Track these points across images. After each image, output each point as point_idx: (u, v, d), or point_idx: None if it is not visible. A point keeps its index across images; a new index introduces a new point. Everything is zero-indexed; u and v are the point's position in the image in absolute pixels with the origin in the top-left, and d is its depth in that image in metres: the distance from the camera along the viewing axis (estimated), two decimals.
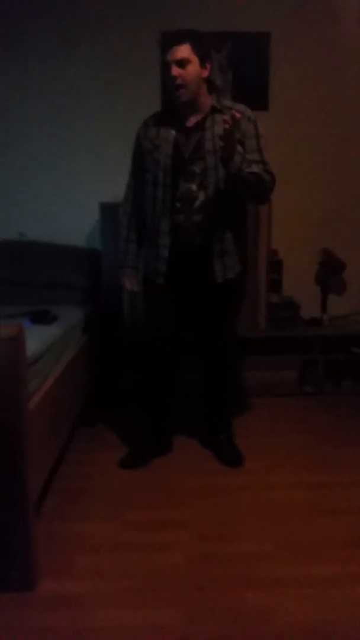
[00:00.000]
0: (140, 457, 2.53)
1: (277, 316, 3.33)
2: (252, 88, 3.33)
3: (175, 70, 2.16)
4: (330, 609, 1.68)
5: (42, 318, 2.45)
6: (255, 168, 2.18)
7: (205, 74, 2.22)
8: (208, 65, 2.22)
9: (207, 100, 2.26)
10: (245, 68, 3.33)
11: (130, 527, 2.08)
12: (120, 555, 1.91)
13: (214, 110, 2.25)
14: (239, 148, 2.11)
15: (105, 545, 1.97)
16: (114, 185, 2.98)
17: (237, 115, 2.02)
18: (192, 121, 2.27)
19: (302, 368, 3.39)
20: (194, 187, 2.26)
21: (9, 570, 1.72)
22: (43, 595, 1.72)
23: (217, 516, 2.15)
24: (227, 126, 1.99)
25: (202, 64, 2.19)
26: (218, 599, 1.71)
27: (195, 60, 2.17)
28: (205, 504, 2.23)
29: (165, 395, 2.57)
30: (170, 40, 2.18)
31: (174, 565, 1.86)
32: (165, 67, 2.20)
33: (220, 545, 1.97)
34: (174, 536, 2.02)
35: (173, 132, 2.27)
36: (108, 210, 3.04)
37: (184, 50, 2.14)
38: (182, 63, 2.15)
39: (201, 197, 2.26)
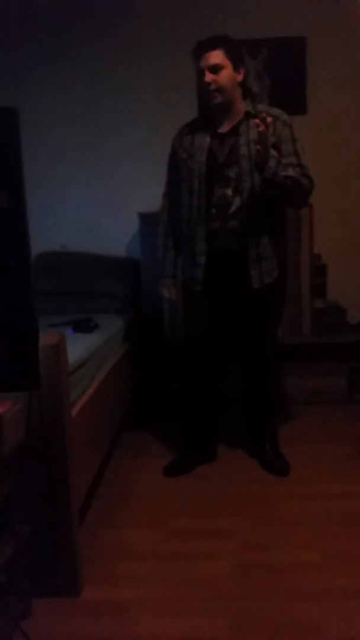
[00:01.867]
0: (184, 464, 2.52)
1: (322, 322, 3.27)
2: (289, 93, 3.32)
3: (209, 77, 2.16)
4: None
5: (83, 326, 2.49)
6: (291, 172, 2.14)
7: (240, 78, 2.22)
8: (242, 70, 2.22)
9: (241, 106, 2.26)
10: (282, 73, 3.32)
11: (175, 535, 2.06)
12: (165, 564, 1.90)
13: (248, 115, 2.24)
14: (274, 152, 2.09)
15: (150, 553, 1.96)
16: (152, 195, 3.01)
17: (269, 118, 2.00)
18: (226, 126, 2.27)
19: (351, 375, 3.31)
20: (229, 192, 2.25)
21: (55, 576, 1.73)
22: (87, 602, 1.72)
23: (263, 525, 2.10)
24: (260, 129, 1.98)
25: (236, 69, 2.19)
26: (264, 610, 1.67)
27: (228, 65, 2.17)
28: (250, 513, 2.18)
29: (208, 402, 2.55)
30: (202, 47, 2.18)
31: (219, 574, 1.83)
32: (199, 74, 2.21)
33: (267, 555, 1.93)
34: (220, 545, 1.99)
35: (207, 139, 2.27)
36: (147, 220, 3.08)
37: (216, 56, 2.15)
38: (216, 69, 2.16)
39: (237, 202, 2.25)
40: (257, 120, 1.99)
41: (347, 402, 3.27)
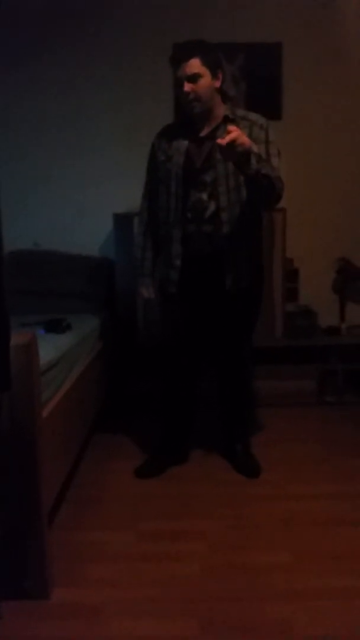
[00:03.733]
0: (156, 466, 2.51)
1: (294, 325, 3.30)
2: (265, 98, 3.34)
3: (187, 86, 2.16)
4: (350, 621, 1.63)
5: (55, 327, 2.46)
6: (269, 171, 2.14)
7: (218, 84, 2.23)
8: (220, 75, 2.23)
9: (220, 110, 2.27)
10: (258, 78, 3.34)
11: (145, 536, 2.05)
12: (136, 565, 1.89)
13: (227, 119, 2.25)
14: (254, 148, 2.06)
15: (120, 554, 1.95)
16: (128, 196, 3.01)
17: (226, 139, 1.92)
18: (205, 131, 2.28)
19: (321, 377, 3.35)
20: (204, 196, 2.26)
21: (23, 578, 1.70)
22: (57, 605, 1.70)
23: (234, 527, 2.11)
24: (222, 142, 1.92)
25: (214, 75, 2.20)
26: (235, 611, 1.68)
27: (206, 72, 2.17)
28: (221, 514, 2.19)
29: (183, 404, 2.55)
30: (178, 54, 2.17)
31: (189, 575, 1.83)
32: (177, 82, 2.20)
33: (237, 556, 1.93)
34: (190, 546, 1.99)
35: (185, 143, 2.28)
36: (122, 221, 3.07)
37: (193, 66, 2.14)
38: (194, 78, 2.15)
39: (212, 207, 2.26)
40: (231, 128, 1.96)
41: (317, 404, 3.31)
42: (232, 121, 2.22)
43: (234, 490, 2.37)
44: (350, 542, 1.99)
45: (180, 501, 2.29)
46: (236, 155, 1.97)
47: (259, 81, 3.35)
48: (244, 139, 1.94)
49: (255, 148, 2.09)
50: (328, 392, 3.36)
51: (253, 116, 2.26)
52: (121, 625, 1.62)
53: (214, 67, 2.19)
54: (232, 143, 1.90)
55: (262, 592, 1.76)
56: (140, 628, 1.61)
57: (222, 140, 1.91)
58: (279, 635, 1.58)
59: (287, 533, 2.06)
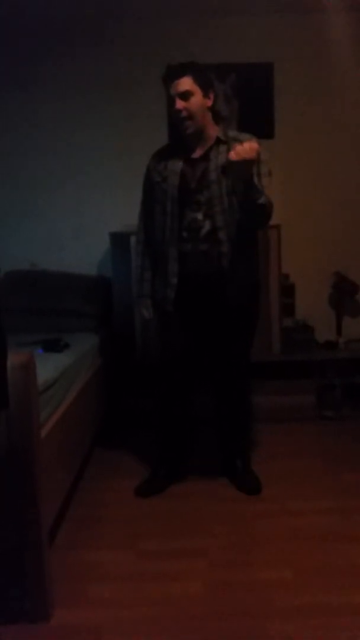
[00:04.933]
0: (156, 484, 2.51)
1: (291, 340, 3.32)
2: (257, 117, 3.40)
3: (180, 104, 2.21)
4: (352, 637, 1.62)
5: (53, 346, 2.47)
6: (263, 199, 2.19)
7: (209, 103, 2.27)
8: (211, 95, 2.28)
9: (213, 131, 2.31)
10: (250, 97, 3.40)
11: (146, 555, 2.04)
12: (136, 585, 1.88)
13: (219, 141, 2.29)
14: (255, 179, 2.15)
15: (121, 574, 1.94)
16: (123, 215, 3.04)
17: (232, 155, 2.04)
18: (198, 152, 2.32)
19: (319, 392, 3.35)
20: (199, 216, 2.29)
21: (23, 600, 1.69)
22: (57, 626, 1.69)
23: (235, 544, 2.10)
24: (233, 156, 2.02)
25: (205, 94, 2.24)
26: (237, 628, 1.66)
27: (197, 91, 2.22)
28: (222, 531, 2.18)
29: (180, 421, 2.55)
30: (171, 73, 2.23)
31: (191, 594, 1.82)
32: (169, 101, 2.25)
33: (239, 573, 1.92)
34: (191, 564, 1.98)
35: (180, 163, 2.32)
36: (118, 239, 3.10)
37: (185, 83, 2.20)
38: (186, 95, 2.20)
39: (207, 226, 2.29)
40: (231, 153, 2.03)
41: (316, 419, 3.31)
42: (224, 143, 2.26)
43: (234, 507, 2.36)
44: (352, 558, 1.98)
45: (181, 519, 2.28)
46: (244, 172, 2.01)
47: (251, 100, 3.41)
48: (252, 154, 2.01)
49: (256, 179, 2.15)
50: (326, 407, 3.36)
51: (245, 137, 2.29)
52: None
53: (205, 87, 2.24)
54: (242, 160, 1.97)
55: (263, 609, 1.74)
56: None
57: (233, 155, 1.98)
58: None
59: (288, 549, 2.05)
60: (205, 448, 2.77)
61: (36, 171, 3.45)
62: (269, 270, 3.14)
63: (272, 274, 3.16)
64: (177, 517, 2.29)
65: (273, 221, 2.36)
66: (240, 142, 2.23)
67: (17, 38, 3.34)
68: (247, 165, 2.05)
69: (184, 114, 2.22)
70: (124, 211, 2.85)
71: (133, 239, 2.58)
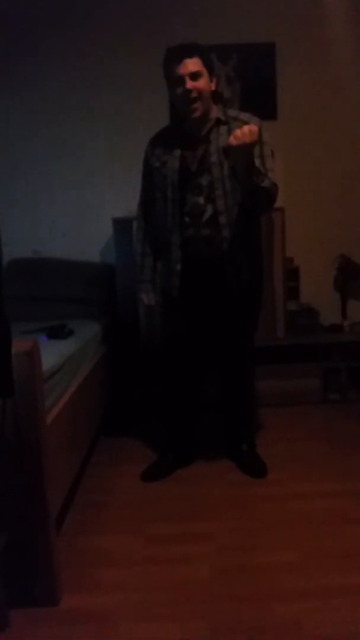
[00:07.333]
0: (162, 469, 2.52)
1: (296, 324, 3.31)
2: (260, 98, 3.35)
3: (190, 83, 2.14)
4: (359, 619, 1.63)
5: (58, 333, 2.47)
6: (266, 182, 2.14)
7: (213, 87, 2.23)
8: (214, 79, 2.24)
9: (213, 113, 2.27)
10: (252, 79, 3.36)
11: (154, 540, 2.05)
12: (145, 569, 1.89)
13: (219, 122, 2.25)
14: (257, 162, 2.10)
15: (129, 559, 1.95)
16: (126, 200, 3.02)
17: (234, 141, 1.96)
18: (198, 134, 2.27)
19: (325, 375, 3.35)
20: (201, 200, 2.26)
21: (32, 585, 1.71)
22: (67, 611, 1.70)
23: (242, 527, 2.11)
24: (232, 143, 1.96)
25: (210, 78, 2.20)
26: (244, 611, 1.67)
27: (205, 73, 2.17)
28: (229, 515, 2.19)
29: (186, 407, 2.55)
30: (178, 53, 2.15)
31: (199, 578, 1.83)
32: (177, 81, 2.16)
33: (246, 557, 1.93)
34: (199, 548, 1.99)
35: (179, 147, 2.27)
36: (121, 226, 3.08)
37: (196, 63, 2.14)
38: (196, 75, 2.14)
39: (209, 210, 2.25)
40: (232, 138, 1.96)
41: (321, 402, 3.31)
42: (224, 123, 2.22)
43: (241, 491, 2.37)
44: (357, 540, 1.99)
45: (188, 503, 2.29)
46: (244, 156, 1.98)
47: (253, 81, 3.36)
48: (253, 137, 1.94)
49: (257, 161, 2.11)
50: (332, 390, 3.36)
51: (245, 116, 2.26)
52: (131, 629, 1.62)
53: (210, 70, 2.20)
54: (242, 144, 1.92)
55: (271, 592, 1.75)
56: (151, 632, 1.61)
57: (233, 140, 1.93)
58: (289, 635, 1.58)
59: (295, 532, 2.06)
60: (211, 432, 2.78)
61: (38, 158, 3.43)
62: (273, 253, 3.12)
63: (276, 257, 3.14)
64: (183, 501, 2.30)
65: (277, 204, 2.33)
66: (241, 122, 2.18)
67: (14, 28, 3.30)
68: (248, 149, 1.98)
69: (194, 94, 2.15)
70: (127, 197, 2.82)
71: (134, 226, 2.55)
